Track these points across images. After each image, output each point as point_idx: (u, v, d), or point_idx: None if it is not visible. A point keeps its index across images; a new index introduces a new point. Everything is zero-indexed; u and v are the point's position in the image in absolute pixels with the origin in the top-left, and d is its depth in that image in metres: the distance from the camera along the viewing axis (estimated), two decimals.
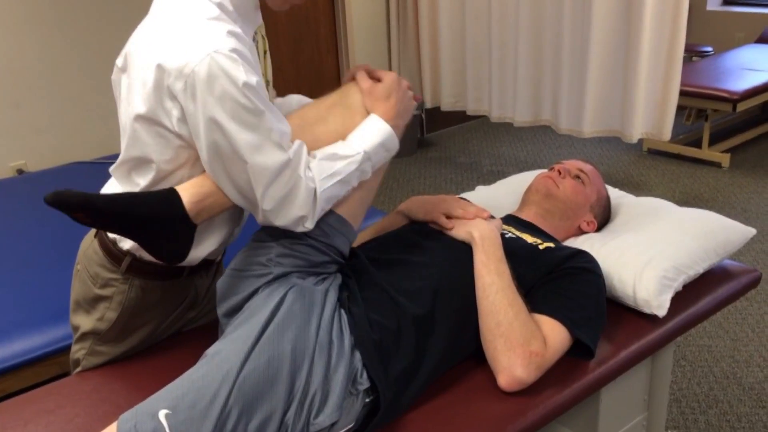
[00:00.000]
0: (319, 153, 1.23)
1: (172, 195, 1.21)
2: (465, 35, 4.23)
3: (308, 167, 1.20)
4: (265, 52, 1.40)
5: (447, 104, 4.50)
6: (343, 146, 1.25)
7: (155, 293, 1.39)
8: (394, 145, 1.30)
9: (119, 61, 1.25)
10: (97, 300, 1.37)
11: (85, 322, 1.40)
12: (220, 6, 1.18)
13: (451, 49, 4.35)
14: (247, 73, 1.11)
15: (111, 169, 1.31)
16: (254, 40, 1.31)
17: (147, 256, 1.31)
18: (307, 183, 1.18)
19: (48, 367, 1.81)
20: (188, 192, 1.21)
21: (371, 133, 1.26)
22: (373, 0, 4.54)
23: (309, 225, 1.22)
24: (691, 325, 1.53)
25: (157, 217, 1.19)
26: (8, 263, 2.24)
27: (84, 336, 1.41)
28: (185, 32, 1.12)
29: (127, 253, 1.32)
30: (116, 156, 1.29)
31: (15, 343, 1.82)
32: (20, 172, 3.37)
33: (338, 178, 1.22)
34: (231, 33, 1.14)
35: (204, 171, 1.22)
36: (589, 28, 3.51)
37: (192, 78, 1.09)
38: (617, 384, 1.44)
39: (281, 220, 1.20)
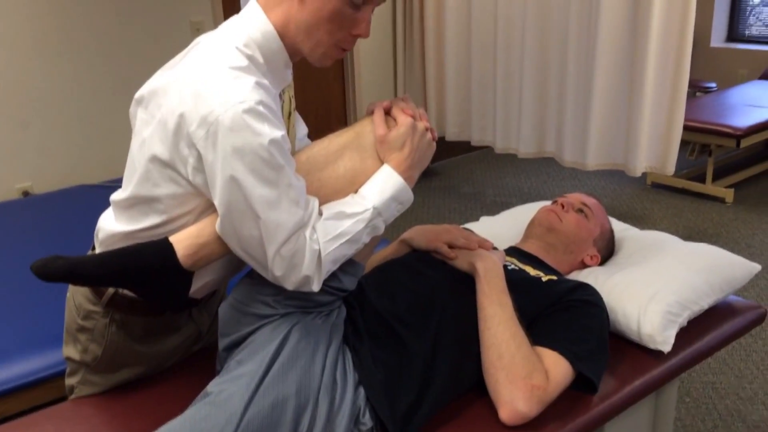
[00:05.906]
0: (326, 211, 1.17)
1: (165, 248, 1.16)
2: (471, 66, 4.27)
3: (314, 228, 1.14)
4: (289, 114, 1.36)
5: (452, 134, 4.52)
6: (352, 202, 1.18)
7: (137, 329, 1.35)
8: (408, 198, 1.22)
9: (138, 95, 1.22)
10: (80, 331, 1.34)
11: (72, 351, 1.38)
12: (251, 58, 1.14)
13: (456, 80, 4.39)
14: (272, 128, 1.07)
15: (112, 198, 1.26)
16: (281, 99, 1.27)
17: (128, 291, 1.27)
18: (312, 245, 1.12)
19: (48, 390, 1.80)
20: (183, 244, 1.17)
21: (382, 187, 1.19)
22: (380, 29, 4.59)
23: (315, 287, 1.15)
24: (695, 362, 1.52)
25: (151, 271, 1.16)
26: (11, 285, 2.24)
27: (75, 365, 1.39)
28: (213, 81, 1.08)
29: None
30: (121, 179, 1.27)
31: (15, 366, 1.81)
32: (26, 194, 3.38)
33: (345, 238, 1.15)
34: (259, 84, 1.10)
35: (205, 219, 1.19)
36: (594, 61, 3.54)
37: (215, 127, 1.05)
38: (621, 419, 1.43)
39: (290, 285, 1.15)
